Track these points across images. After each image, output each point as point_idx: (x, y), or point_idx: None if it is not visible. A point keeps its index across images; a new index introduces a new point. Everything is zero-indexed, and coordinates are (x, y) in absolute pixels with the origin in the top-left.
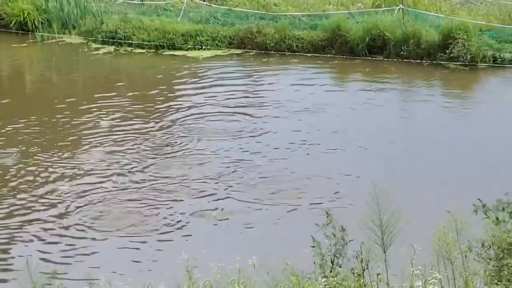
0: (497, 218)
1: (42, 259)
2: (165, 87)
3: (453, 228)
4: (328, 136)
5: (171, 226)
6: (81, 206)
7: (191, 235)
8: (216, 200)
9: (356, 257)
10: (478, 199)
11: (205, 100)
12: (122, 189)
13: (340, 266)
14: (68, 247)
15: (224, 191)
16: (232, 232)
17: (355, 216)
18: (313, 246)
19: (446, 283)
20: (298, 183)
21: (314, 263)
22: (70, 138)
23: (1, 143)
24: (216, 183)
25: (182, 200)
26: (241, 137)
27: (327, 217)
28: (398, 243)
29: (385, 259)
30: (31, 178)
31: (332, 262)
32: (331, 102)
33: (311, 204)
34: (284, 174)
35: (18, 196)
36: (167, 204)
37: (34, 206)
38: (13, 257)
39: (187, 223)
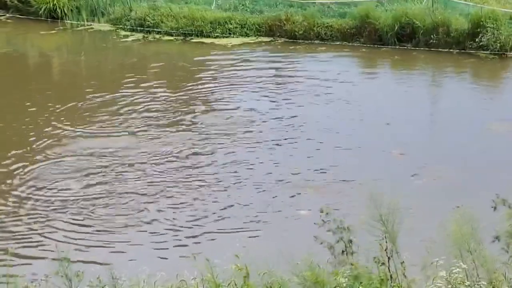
0: None
1: (64, 244)
2: (193, 74)
3: (465, 222)
4: (354, 124)
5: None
6: (102, 196)
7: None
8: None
9: (380, 245)
10: (496, 194)
11: (232, 87)
12: (155, 175)
13: (352, 254)
14: (93, 236)
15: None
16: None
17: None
18: (321, 243)
19: (468, 274)
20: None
21: (334, 256)
22: (100, 125)
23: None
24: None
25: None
26: (268, 125)
27: (322, 212)
28: (410, 235)
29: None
30: (70, 155)
31: (346, 254)
32: (359, 90)
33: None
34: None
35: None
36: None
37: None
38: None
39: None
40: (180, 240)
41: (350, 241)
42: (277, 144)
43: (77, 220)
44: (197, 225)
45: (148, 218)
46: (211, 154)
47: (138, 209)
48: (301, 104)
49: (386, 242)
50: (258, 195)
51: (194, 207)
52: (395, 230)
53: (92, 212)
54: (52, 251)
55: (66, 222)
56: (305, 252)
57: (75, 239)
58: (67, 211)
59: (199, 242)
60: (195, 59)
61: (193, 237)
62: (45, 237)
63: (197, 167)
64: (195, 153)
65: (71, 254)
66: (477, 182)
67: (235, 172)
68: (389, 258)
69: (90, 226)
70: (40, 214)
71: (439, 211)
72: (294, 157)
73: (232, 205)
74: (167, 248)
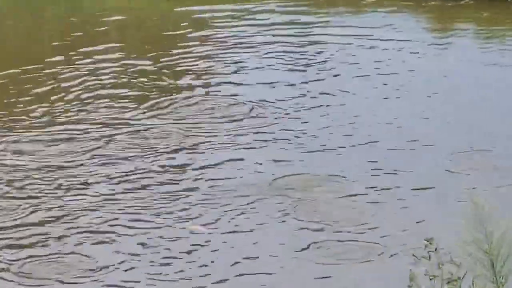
0: None
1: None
2: (173, 35)
3: None
4: (417, 114)
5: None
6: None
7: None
8: None
9: None
10: None
11: (232, 57)
12: (110, 205)
13: None
14: None
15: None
16: None
17: None
18: (409, 286)
19: None
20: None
21: None
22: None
23: None
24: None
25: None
26: (288, 118)
27: (429, 244)
28: None
29: None
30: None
31: None
32: (425, 64)
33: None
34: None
35: None
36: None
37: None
38: None
39: None
40: None
41: None
42: (302, 148)
43: None
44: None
45: (102, 276)
46: (199, 170)
47: (84, 261)
48: (339, 85)
49: None
50: (279, 231)
51: (175, 254)
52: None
53: (16, 268)
54: None
55: None
56: None
57: None
58: None
59: None
60: (175, 12)
61: None
62: None
63: (177, 194)
64: (174, 167)
65: None
66: None
67: (240, 195)
68: None
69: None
70: None
71: None
72: (327, 167)
73: (239, 253)
74: None
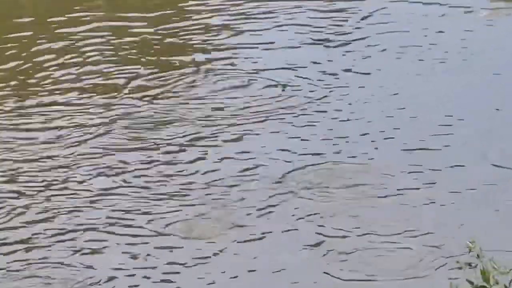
0: None
1: None
2: (173, 11)
3: None
4: (477, 102)
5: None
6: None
7: None
8: None
9: None
10: None
11: (250, 29)
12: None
13: None
14: None
15: None
16: None
17: None
18: None
19: None
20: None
21: None
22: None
23: None
24: None
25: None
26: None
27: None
28: None
29: None
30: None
31: None
32: (480, 38)
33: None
34: None
35: None
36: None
37: None
38: None
39: None
40: None
41: None
42: (328, 133)
43: None
44: None
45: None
46: (205, 160)
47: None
48: (370, 60)
49: None
50: (295, 232)
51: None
52: None
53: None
54: None
55: None
56: None
57: None
58: None
59: None
60: None
61: None
62: None
63: (178, 187)
64: (176, 158)
65: None
66: None
67: (254, 189)
68: None
69: None
70: None
71: None
72: (357, 156)
73: (250, 255)
74: None
